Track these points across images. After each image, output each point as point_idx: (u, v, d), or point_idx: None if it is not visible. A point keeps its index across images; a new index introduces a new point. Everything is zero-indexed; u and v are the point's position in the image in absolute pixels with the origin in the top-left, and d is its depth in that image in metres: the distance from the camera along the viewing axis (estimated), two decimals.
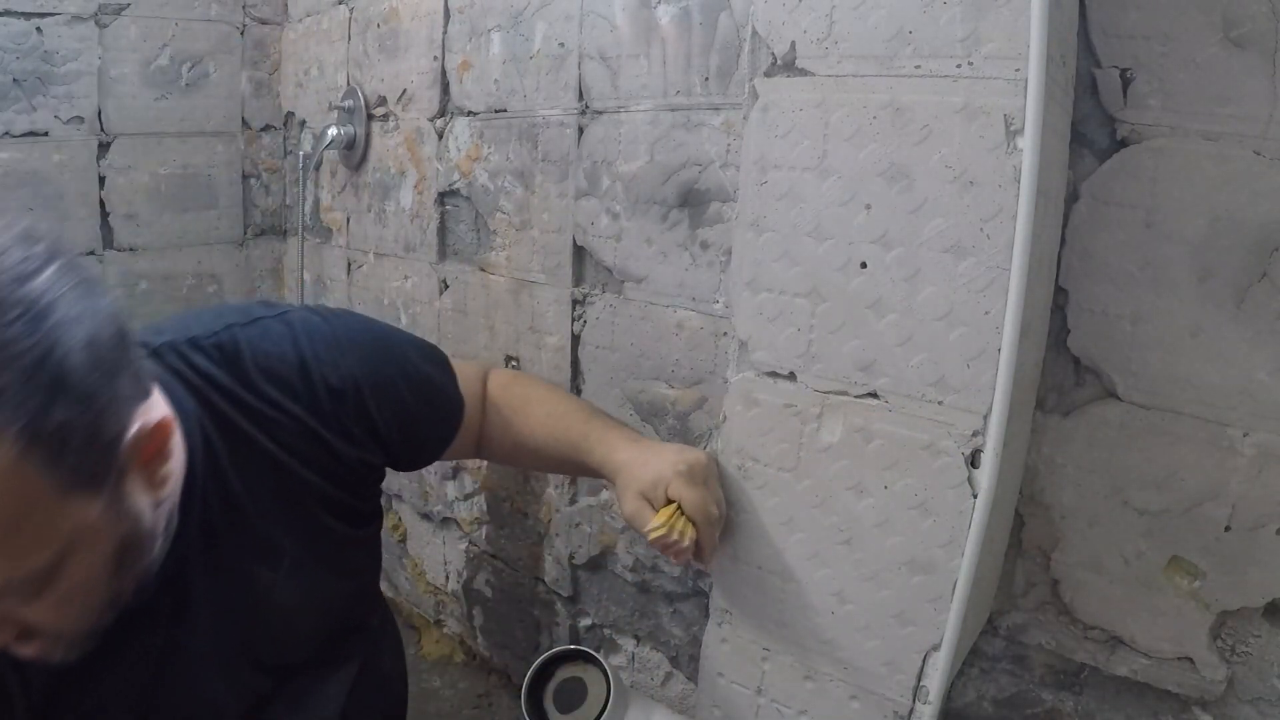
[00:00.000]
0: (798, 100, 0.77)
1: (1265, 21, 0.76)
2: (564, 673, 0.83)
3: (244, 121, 2.21)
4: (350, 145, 1.94)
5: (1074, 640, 0.94)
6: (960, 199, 0.69)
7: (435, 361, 0.84)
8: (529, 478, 1.61)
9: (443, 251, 1.74)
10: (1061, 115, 0.81)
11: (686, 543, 0.75)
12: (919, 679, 0.77)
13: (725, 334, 1.20)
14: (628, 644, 1.49)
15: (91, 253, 2.00)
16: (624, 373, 1.36)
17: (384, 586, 2.15)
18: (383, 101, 1.86)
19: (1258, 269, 0.78)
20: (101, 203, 1.99)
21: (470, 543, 1.83)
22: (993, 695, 1.02)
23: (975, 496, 0.71)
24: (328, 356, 0.71)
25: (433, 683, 1.89)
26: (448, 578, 1.92)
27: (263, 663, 0.75)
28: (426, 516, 1.95)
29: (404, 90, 1.78)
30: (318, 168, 2.10)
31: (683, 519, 0.76)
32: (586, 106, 1.36)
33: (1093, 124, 0.86)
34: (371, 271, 1.98)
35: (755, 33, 0.79)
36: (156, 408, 0.58)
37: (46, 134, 1.89)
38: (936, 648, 0.76)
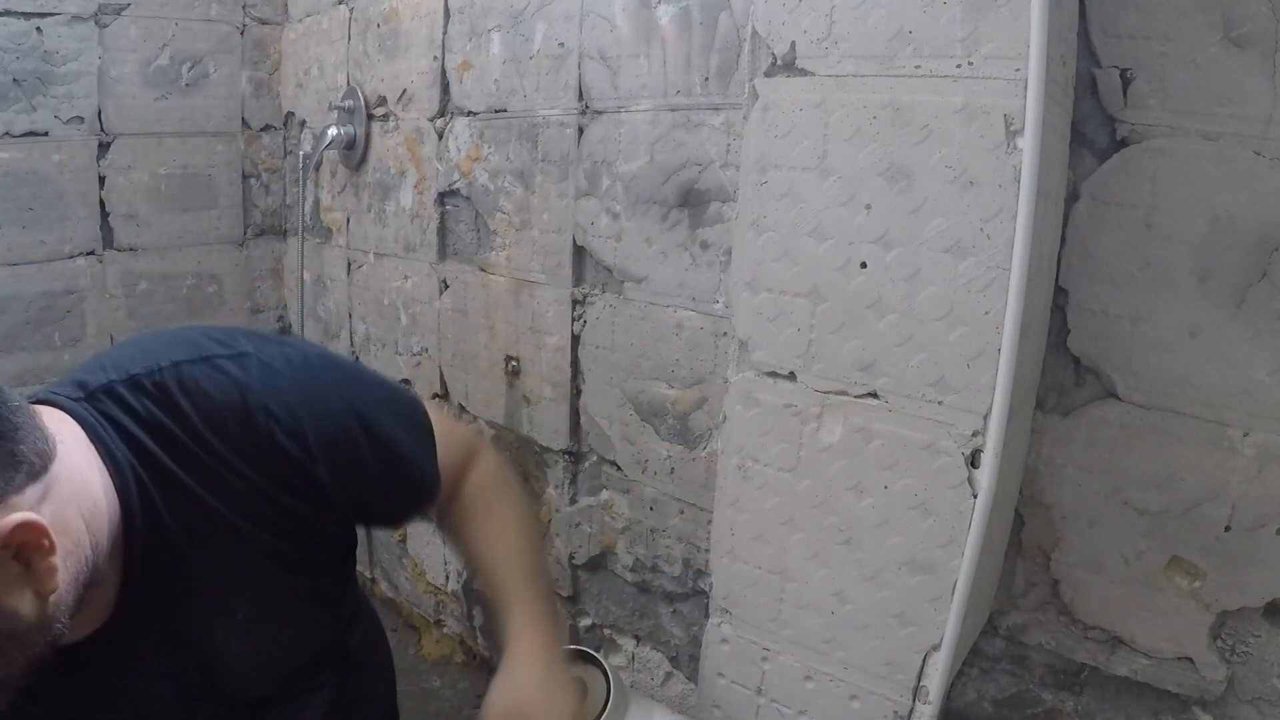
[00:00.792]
0: (798, 100, 0.77)
1: (1265, 21, 0.76)
2: None
3: (244, 121, 2.21)
4: (350, 145, 1.94)
5: (1074, 640, 0.94)
6: (960, 199, 0.69)
7: (414, 427, 0.74)
8: (528, 478, 1.61)
9: (443, 251, 1.74)
10: (1061, 115, 0.81)
11: None
12: (919, 679, 0.77)
13: (725, 334, 1.20)
14: (628, 644, 1.49)
15: (91, 252, 2.00)
16: (624, 373, 1.36)
17: (384, 586, 2.15)
18: (383, 101, 1.86)
19: (1257, 269, 0.78)
20: (101, 203, 2.00)
21: None
22: (993, 695, 1.02)
23: (975, 496, 0.72)
24: (279, 408, 0.63)
25: (433, 683, 1.88)
26: (447, 578, 1.92)
27: (229, 699, 0.71)
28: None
29: (404, 90, 1.78)
30: (318, 168, 2.10)
31: None
32: (586, 106, 1.36)
33: (1093, 124, 0.86)
34: (371, 271, 1.98)
35: (755, 33, 0.79)
36: (17, 508, 0.51)
37: (46, 134, 1.89)
38: (936, 648, 0.76)
